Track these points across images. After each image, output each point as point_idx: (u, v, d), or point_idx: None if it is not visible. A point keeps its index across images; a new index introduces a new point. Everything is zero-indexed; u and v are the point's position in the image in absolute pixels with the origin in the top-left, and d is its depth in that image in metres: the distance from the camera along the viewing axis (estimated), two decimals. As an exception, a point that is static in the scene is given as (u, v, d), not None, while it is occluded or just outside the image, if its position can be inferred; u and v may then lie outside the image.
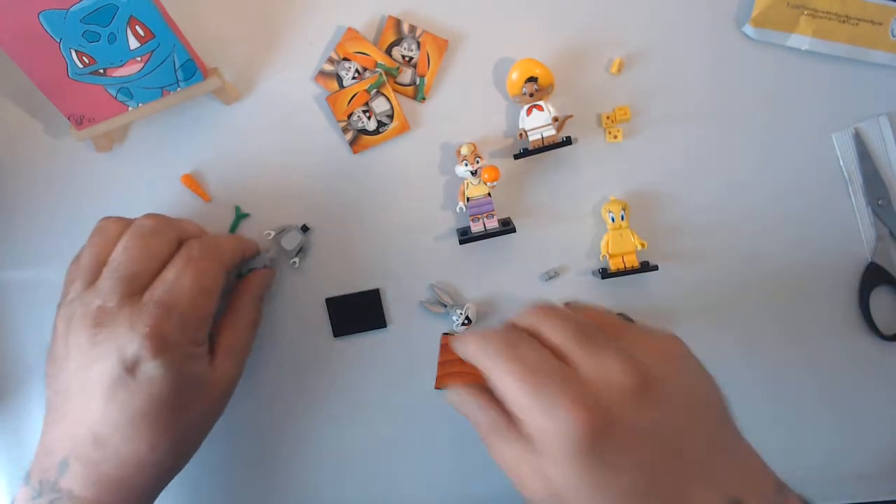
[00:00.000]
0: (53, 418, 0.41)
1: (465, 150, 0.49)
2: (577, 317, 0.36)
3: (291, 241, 0.51)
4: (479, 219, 0.50)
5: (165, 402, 0.39)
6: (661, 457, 0.32)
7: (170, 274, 0.41)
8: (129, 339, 0.38)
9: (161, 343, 0.39)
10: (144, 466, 0.40)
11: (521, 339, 0.35)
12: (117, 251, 0.42)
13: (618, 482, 0.31)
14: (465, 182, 0.50)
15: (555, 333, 0.35)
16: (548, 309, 0.37)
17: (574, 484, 0.31)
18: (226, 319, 0.47)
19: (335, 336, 0.53)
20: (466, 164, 0.49)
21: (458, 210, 0.51)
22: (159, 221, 0.43)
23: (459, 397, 0.37)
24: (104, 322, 0.39)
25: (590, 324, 0.36)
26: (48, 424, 0.41)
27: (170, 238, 0.43)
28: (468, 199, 0.50)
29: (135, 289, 0.40)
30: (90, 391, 0.39)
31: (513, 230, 0.50)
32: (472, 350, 0.36)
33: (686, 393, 0.35)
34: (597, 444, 0.31)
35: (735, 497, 0.32)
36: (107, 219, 0.44)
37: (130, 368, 0.38)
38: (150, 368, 0.39)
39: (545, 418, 0.32)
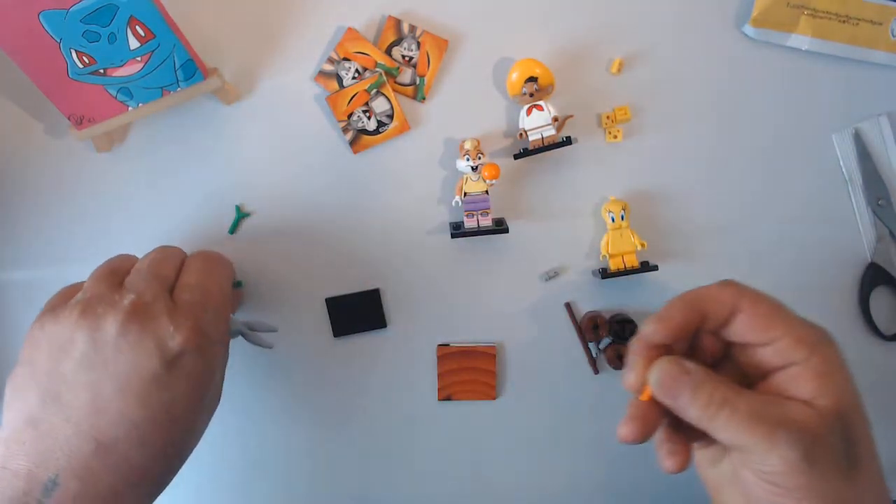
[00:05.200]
0: (31, 434, 0.37)
1: (468, 145, 0.49)
2: None
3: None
4: (473, 215, 0.50)
5: (194, 397, 0.40)
6: None
7: (191, 279, 0.43)
8: (171, 334, 0.38)
9: (204, 338, 0.40)
10: (147, 474, 0.39)
11: None
12: (142, 261, 0.43)
13: None
14: (465, 177, 0.50)
15: None
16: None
17: None
18: None
19: (335, 336, 0.53)
20: (468, 159, 0.49)
21: (453, 204, 0.51)
22: (165, 248, 0.46)
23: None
24: (139, 317, 0.38)
25: None
26: (20, 442, 0.37)
27: (177, 255, 0.45)
28: (465, 194, 0.50)
29: (166, 288, 0.41)
30: (105, 390, 0.37)
31: (505, 230, 0.50)
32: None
33: None
34: None
35: None
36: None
37: (170, 363, 0.38)
38: (191, 363, 0.39)
39: None
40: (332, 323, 0.53)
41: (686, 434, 0.37)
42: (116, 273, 0.42)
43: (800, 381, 0.34)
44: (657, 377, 0.35)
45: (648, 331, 0.36)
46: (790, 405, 0.34)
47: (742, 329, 0.36)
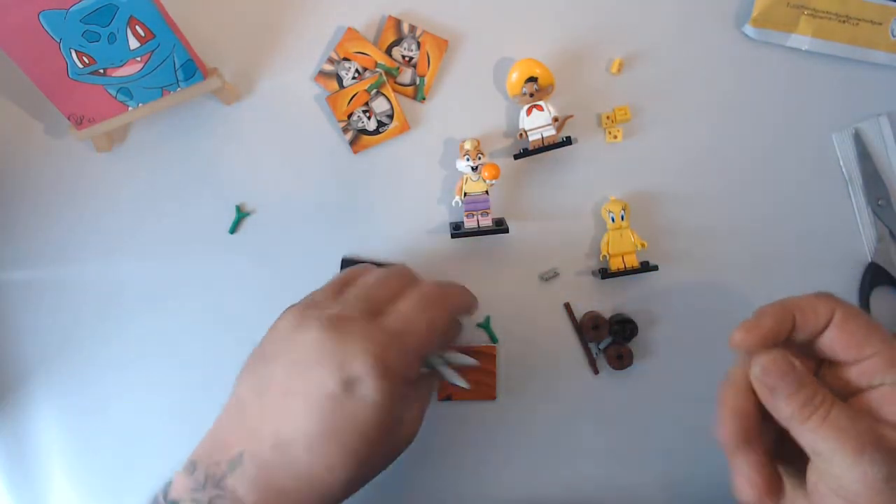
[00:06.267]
0: (237, 411, 0.40)
1: (468, 146, 0.49)
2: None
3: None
4: (473, 215, 0.50)
5: (363, 429, 0.38)
6: None
7: (403, 306, 0.41)
8: (355, 354, 0.38)
9: (386, 369, 0.38)
10: (313, 486, 0.38)
11: None
12: (368, 276, 0.44)
13: None
14: (465, 177, 0.50)
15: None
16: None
17: None
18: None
19: (335, 336, 0.53)
20: (468, 159, 0.49)
21: (453, 204, 0.51)
22: (398, 268, 0.46)
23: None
24: (339, 328, 0.38)
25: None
26: (229, 416, 0.40)
27: (404, 277, 0.45)
28: (465, 194, 0.50)
29: (374, 311, 0.41)
30: (295, 392, 0.38)
31: (506, 230, 0.50)
32: None
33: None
34: None
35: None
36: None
37: (347, 384, 0.37)
38: (369, 391, 0.37)
39: None
40: (332, 323, 0.52)
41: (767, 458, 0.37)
42: (346, 283, 0.44)
43: (891, 402, 0.34)
44: (763, 363, 0.35)
45: (736, 340, 0.36)
46: (882, 426, 0.34)
47: (832, 343, 0.36)
